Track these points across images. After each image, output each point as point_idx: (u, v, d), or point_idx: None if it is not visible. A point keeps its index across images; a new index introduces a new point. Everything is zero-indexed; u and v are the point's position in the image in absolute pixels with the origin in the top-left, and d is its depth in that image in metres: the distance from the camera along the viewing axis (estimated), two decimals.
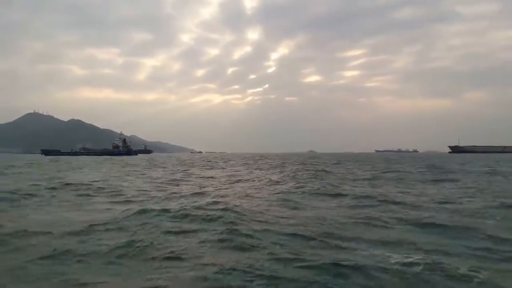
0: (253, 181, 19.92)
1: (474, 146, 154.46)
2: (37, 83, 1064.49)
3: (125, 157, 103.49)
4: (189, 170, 32.23)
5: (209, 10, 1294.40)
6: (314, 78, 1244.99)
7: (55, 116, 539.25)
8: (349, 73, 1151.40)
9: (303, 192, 13.90)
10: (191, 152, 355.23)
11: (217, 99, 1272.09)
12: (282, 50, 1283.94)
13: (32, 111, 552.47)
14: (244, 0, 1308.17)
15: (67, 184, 16.74)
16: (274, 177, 21.68)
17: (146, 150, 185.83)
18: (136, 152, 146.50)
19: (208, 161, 58.44)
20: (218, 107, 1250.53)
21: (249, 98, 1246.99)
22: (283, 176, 23.01)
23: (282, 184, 17.56)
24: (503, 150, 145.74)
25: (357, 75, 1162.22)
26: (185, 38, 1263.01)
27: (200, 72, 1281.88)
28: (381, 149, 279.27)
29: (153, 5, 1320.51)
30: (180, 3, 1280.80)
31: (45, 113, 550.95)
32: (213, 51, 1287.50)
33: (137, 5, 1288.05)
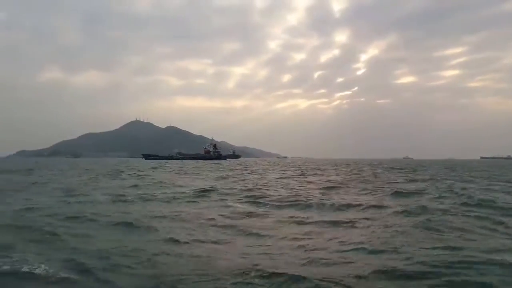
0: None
1: None
2: (137, 93, 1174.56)
3: (217, 161, 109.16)
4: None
5: (296, 16, 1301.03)
6: (407, 79, 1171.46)
7: (154, 124, 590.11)
8: (447, 73, 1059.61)
9: None
10: (277, 157, 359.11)
11: (303, 104, 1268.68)
12: (372, 51, 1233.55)
13: (134, 119, 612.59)
14: (332, 2, 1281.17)
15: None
16: None
17: (235, 155, 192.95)
18: (225, 157, 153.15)
19: (316, 168, 58.56)
20: (304, 112, 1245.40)
21: (336, 102, 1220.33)
22: None
23: None
24: None
25: (457, 75, 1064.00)
26: (272, 44, 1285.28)
27: (286, 78, 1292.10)
28: (488, 156, 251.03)
29: (243, 15, 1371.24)
30: (268, 11, 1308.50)
31: (145, 121, 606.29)
32: (299, 56, 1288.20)
33: (228, 16, 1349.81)
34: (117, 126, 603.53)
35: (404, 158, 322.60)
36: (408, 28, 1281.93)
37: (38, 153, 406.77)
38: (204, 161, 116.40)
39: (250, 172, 38.53)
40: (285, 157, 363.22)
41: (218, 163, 76.17)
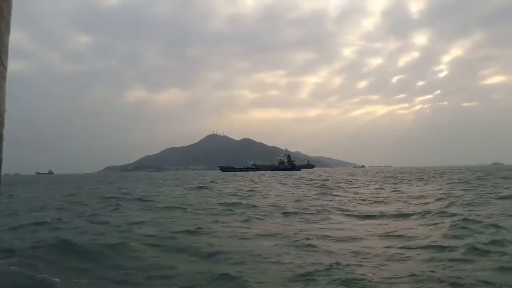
0: None
1: None
2: (215, 108, 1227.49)
3: (292, 172, 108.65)
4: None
5: (372, 21, 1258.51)
6: (497, 79, 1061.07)
7: (230, 136, 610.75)
8: None
9: None
10: (353, 167, 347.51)
11: (381, 110, 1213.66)
12: (455, 51, 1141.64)
13: (211, 133, 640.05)
14: (410, 4, 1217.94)
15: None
16: None
17: (309, 165, 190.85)
18: (299, 167, 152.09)
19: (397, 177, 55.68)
20: (382, 118, 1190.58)
21: (417, 107, 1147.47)
22: None
23: None
24: None
25: None
26: (347, 52, 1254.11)
27: (362, 84, 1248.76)
28: None
29: (315, 25, 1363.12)
30: (342, 18, 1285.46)
31: (221, 134, 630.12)
32: (376, 61, 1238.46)
33: (301, 27, 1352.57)
34: (196, 141, 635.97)
35: (493, 164, 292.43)
36: (496, 24, 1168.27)
37: (124, 168, 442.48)
38: (279, 171, 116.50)
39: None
40: (363, 166, 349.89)
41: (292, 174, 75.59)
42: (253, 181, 42.59)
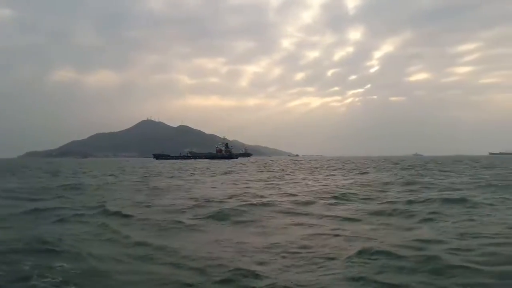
0: None
1: None
2: (150, 92, 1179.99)
3: (229, 160, 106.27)
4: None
5: (311, 13, 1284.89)
6: (421, 76, 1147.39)
7: (166, 123, 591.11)
8: (461, 69, 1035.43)
9: None
10: (288, 156, 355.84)
11: (315, 102, 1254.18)
12: (386, 48, 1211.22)
13: (146, 119, 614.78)
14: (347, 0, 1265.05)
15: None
16: None
17: (246, 153, 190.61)
18: (237, 156, 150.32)
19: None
20: (317, 110, 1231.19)
21: (349, 100, 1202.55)
22: None
23: None
24: None
25: (471, 71, 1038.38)
26: (286, 43, 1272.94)
27: (299, 76, 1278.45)
28: (497, 152, 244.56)
29: (257, 14, 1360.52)
30: (283, 9, 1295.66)
31: (156, 120, 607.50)
32: (313, 54, 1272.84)
33: (243, 15, 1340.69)
34: (129, 126, 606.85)
35: (414, 154, 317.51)
36: (424, 23, 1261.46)
37: (48, 154, 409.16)
38: (217, 160, 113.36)
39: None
40: (297, 155, 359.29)
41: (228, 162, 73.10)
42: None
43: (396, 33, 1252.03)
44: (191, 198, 14.41)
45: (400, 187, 18.28)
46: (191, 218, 10.14)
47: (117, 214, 10.71)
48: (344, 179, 24.91)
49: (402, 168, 41.90)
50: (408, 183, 19.97)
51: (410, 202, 12.50)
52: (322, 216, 10.27)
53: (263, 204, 12.27)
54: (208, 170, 43.23)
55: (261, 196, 14.87)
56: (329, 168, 44.73)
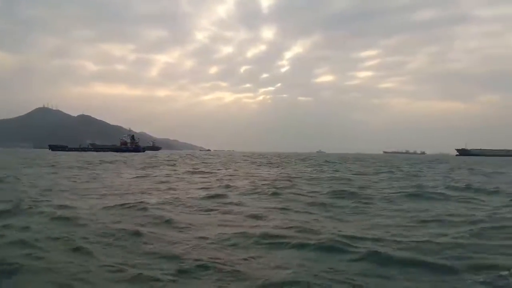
0: None
1: (481, 149, 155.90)
2: (49, 78, 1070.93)
3: (133, 153, 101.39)
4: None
5: (225, 8, 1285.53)
6: (327, 78, 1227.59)
7: (65, 111, 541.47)
8: (362, 74, 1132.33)
9: None
10: (200, 150, 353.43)
11: (228, 97, 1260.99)
12: (297, 49, 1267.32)
13: (42, 106, 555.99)
14: None
15: None
16: None
17: (154, 147, 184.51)
18: (143, 149, 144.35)
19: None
20: (229, 105, 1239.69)
21: (261, 97, 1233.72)
22: None
23: None
24: (507, 153, 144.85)
25: (371, 76, 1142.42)
26: (200, 35, 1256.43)
27: (213, 70, 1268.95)
28: (390, 151, 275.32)
29: (171, 2, 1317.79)
30: (197, 0, 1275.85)
31: (54, 108, 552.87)
32: (227, 49, 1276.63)
33: (155, 2, 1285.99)
34: (22, 114, 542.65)
35: (317, 152, 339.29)
36: (332, 28, 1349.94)
37: None
38: (121, 153, 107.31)
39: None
40: (209, 150, 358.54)
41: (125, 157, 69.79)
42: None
43: (306, 35, 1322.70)
44: None
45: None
46: None
47: None
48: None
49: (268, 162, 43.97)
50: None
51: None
52: None
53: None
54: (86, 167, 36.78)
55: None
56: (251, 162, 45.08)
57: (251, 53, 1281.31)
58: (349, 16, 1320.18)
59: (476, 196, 13.40)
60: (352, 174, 26.12)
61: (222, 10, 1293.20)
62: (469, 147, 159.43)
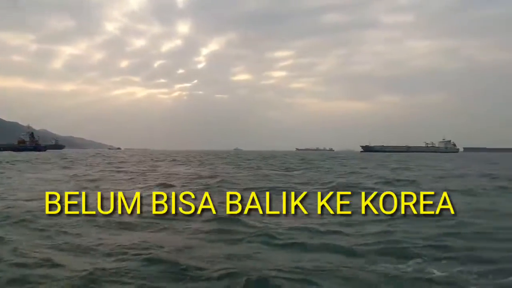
0: None
1: (382, 146, 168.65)
2: None
3: (30, 153, 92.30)
4: None
5: (137, 0, 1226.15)
6: (243, 77, 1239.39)
7: None
8: (277, 74, 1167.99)
9: None
10: (109, 148, 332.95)
11: (141, 92, 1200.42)
12: (213, 46, 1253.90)
13: None
14: None
15: None
16: None
17: (57, 145, 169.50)
18: (44, 148, 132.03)
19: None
20: (142, 101, 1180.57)
21: (176, 93, 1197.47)
22: None
23: None
24: (408, 149, 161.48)
25: (285, 76, 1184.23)
26: (110, 27, 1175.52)
27: (124, 63, 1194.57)
28: (302, 148, 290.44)
29: None
30: None
31: None
32: (140, 42, 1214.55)
33: None
34: None
35: (234, 149, 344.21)
36: (248, 27, 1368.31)
37: None
38: (19, 152, 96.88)
39: None
40: (119, 148, 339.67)
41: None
42: None
43: (222, 32, 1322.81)
44: None
45: None
46: None
47: None
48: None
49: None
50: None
51: None
52: None
53: None
54: None
55: None
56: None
57: (166, 47, 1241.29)
58: (262, 16, 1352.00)
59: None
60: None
61: (134, 2, 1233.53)
62: (372, 144, 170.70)
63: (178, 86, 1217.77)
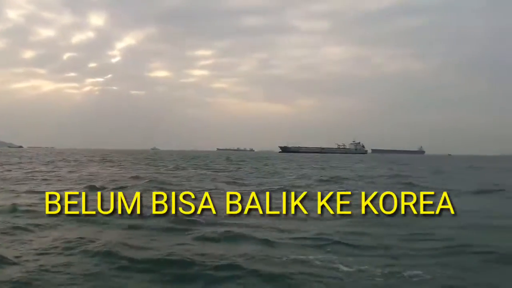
0: None
1: (299, 147, 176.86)
2: None
3: None
4: None
5: None
6: (162, 74, 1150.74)
7: None
8: (198, 72, 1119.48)
9: None
10: (9, 147, 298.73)
11: (47, 86, 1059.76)
12: (129, 40, 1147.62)
13: None
14: None
15: None
16: None
17: None
18: None
19: None
20: (49, 95, 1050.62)
21: (87, 88, 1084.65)
22: None
23: None
24: (321, 150, 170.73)
25: (206, 75, 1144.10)
26: (13, 14, 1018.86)
27: (28, 54, 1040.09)
28: (223, 148, 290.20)
29: None
30: None
31: None
32: (47, 32, 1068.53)
33: None
34: None
35: (152, 149, 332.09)
36: (168, 23, 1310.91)
37: None
38: None
39: None
40: (20, 147, 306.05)
41: None
42: None
43: (139, 27, 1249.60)
44: None
45: None
46: None
47: None
48: None
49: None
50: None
51: None
52: None
53: None
54: None
55: None
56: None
57: (76, 39, 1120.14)
58: (183, 13, 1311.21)
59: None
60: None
61: None
62: (290, 145, 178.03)
63: (89, 80, 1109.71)
